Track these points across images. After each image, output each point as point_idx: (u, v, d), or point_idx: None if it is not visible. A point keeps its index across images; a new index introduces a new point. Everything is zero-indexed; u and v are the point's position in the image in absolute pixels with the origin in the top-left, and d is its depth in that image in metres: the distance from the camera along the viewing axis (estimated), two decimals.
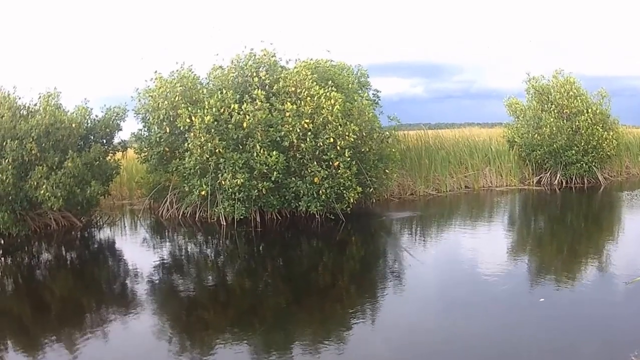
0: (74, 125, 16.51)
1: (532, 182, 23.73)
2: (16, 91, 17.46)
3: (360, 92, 18.27)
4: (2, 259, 14.92)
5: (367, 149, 16.56)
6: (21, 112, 17.08)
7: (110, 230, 17.58)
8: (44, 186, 15.55)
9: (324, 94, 15.57)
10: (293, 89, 16.01)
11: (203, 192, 15.60)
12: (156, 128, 16.74)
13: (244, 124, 15.12)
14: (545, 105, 23.24)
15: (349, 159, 15.35)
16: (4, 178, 15.51)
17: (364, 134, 16.38)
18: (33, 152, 15.87)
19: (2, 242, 16.07)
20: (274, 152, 14.97)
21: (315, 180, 15.26)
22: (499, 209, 19.58)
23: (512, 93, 25.16)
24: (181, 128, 15.73)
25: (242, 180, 14.83)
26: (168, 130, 16.28)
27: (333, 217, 15.88)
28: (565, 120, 22.72)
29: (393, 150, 18.01)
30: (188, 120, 15.41)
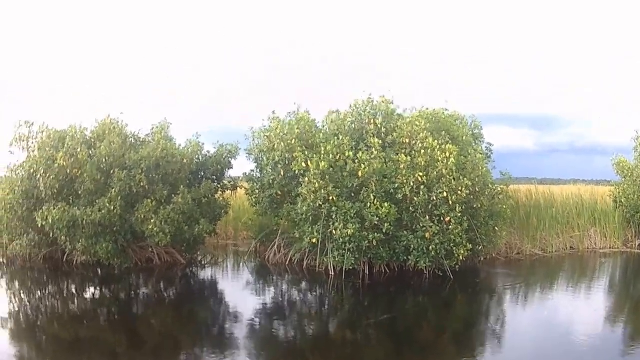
0: (185, 160, 17.04)
1: (635, 244, 23.23)
2: (124, 118, 18.19)
3: (474, 144, 18.34)
4: (102, 289, 15.56)
5: (479, 205, 16.48)
6: (130, 141, 17.72)
7: (214, 270, 18.01)
8: (152, 220, 16.07)
9: (439, 147, 15.70)
10: (407, 140, 16.19)
11: (314, 240, 15.79)
12: (270, 170, 17.09)
13: (359, 173, 15.29)
14: None
15: (460, 214, 15.36)
16: (112, 208, 16.14)
17: (477, 189, 16.32)
18: (142, 184, 16.47)
19: (101, 272, 16.84)
20: (386, 204, 15.07)
21: (427, 236, 15.28)
22: (603, 273, 19.19)
23: (622, 148, 24.76)
24: (296, 172, 16.02)
25: (353, 231, 14.99)
26: (282, 173, 16.60)
27: (441, 274, 15.87)
28: None
29: (504, 207, 17.95)
30: (304, 164, 15.71)
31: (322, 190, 15.26)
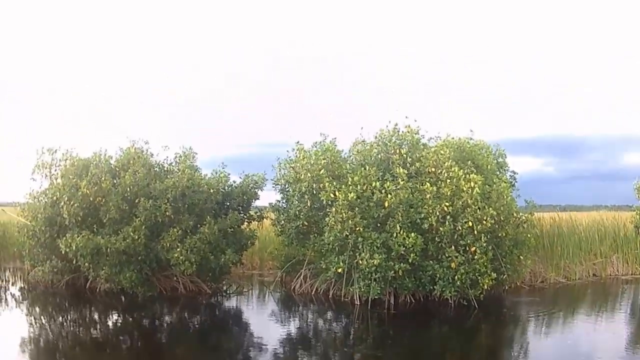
0: (211, 190, 17.18)
1: None
2: (150, 147, 18.37)
3: (498, 173, 18.43)
4: (124, 317, 15.68)
5: (504, 234, 16.50)
6: (155, 170, 17.88)
7: (239, 299, 18.09)
8: (177, 249, 16.19)
9: (464, 176, 15.76)
10: (433, 169, 16.29)
11: (339, 270, 15.84)
12: (296, 201, 17.25)
13: (386, 203, 15.41)
14: None
15: (485, 244, 15.40)
16: (136, 237, 16.29)
17: (502, 218, 16.33)
18: (167, 213, 16.58)
19: (125, 300, 16.97)
20: (413, 234, 15.14)
21: (452, 266, 15.33)
22: (625, 300, 19.20)
23: None
24: (324, 202, 16.14)
25: (379, 261, 15.06)
26: (309, 204, 16.75)
27: (466, 303, 15.88)
28: None
29: (528, 235, 17.98)
30: (332, 195, 15.81)
31: (350, 221, 15.36)
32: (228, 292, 19.09)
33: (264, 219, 19.69)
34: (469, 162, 16.89)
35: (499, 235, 16.47)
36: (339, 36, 71.33)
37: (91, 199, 17.16)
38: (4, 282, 21.27)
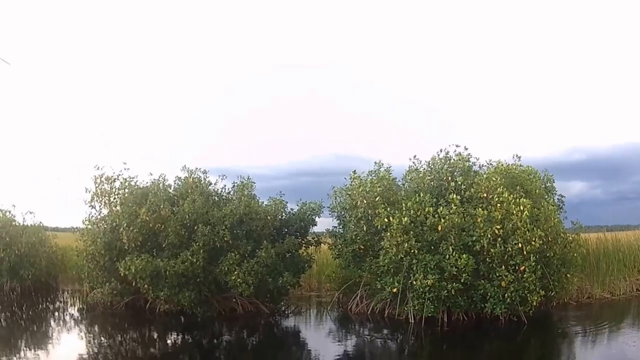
0: (269, 217, 17.93)
1: None
2: (208, 177, 19.23)
3: (546, 197, 19.05)
4: (184, 336, 16.42)
5: (552, 254, 17.20)
6: (214, 199, 18.73)
7: (297, 319, 18.84)
8: (235, 272, 16.98)
9: (513, 201, 16.43)
10: (484, 194, 16.98)
11: (394, 290, 16.64)
12: (352, 226, 18.03)
13: (439, 227, 16.18)
14: None
15: (534, 263, 16.07)
16: (195, 261, 17.11)
17: (550, 239, 17.06)
18: (225, 239, 17.37)
19: (184, 320, 17.76)
20: (465, 255, 15.85)
21: (503, 284, 16.00)
22: None
23: None
24: (378, 227, 16.90)
25: (432, 281, 15.81)
26: (365, 229, 17.52)
27: (515, 319, 16.54)
28: None
29: (575, 254, 18.66)
30: (386, 220, 16.59)
31: (405, 244, 16.15)
32: (286, 312, 19.85)
33: (321, 244, 20.38)
34: (518, 187, 17.57)
35: (547, 254, 17.18)
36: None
37: (150, 225, 18.02)
38: (64, 304, 22.38)
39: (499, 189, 16.74)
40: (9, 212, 25.12)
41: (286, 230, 19.20)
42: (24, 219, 25.45)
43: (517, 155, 19.29)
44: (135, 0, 74.33)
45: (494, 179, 17.05)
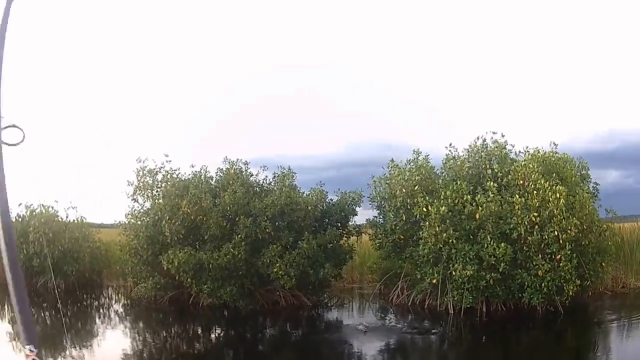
0: (310, 207, 18.29)
1: None
2: (249, 168, 19.67)
3: (581, 184, 19.34)
4: (227, 330, 16.88)
5: (587, 242, 17.48)
6: (255, 190, 19.13)
7: (339, 311, 19.24)
8: (277, 264, 17.35)
9: (550, 188, 16.74)
10: (521, 182, 17.33)
11: (434, 281, 17.05)
12: (392, 216, 18.43)
13: (477, 216, 16.54)
14: None
15: (569, 252, 16.35)
16: (236, 253, 17.43)
17: (584, 227, 17.32)
18: (267, 230, 17.74)
19: (228, 313, 18.09)
20: (502, 244, 16.18)
21: (539, 273, 16.32)
22: None
23: None
24: (417, 217, 17.32)
25: (471, 272, 16.19)
26: (404, 219, 17.92)
27: (552, 309, 16.88)
28: None
29: (610, 243, 18.94)
30: (424, 209, 16.97)
31: (444, 234, 16.51)
32: (329, 304, 20.28)
33: (362, 234, 20.69)
34: (554, 174, 17.83)
35: (582, 243, 17.44)
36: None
37: (192, 217, 18.40)
38: (108, 300, 22.90)
39: (533, 175, 17.07)
40: (52, 207, 25.23)
41: (327, 220, 19.50)
42: (67, 214, 25.59)
43: (553, 143, 19.68)
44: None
45: (530, 166, 17.38)
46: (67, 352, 13.54)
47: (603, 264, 18.63)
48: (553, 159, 18.90)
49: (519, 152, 19.40)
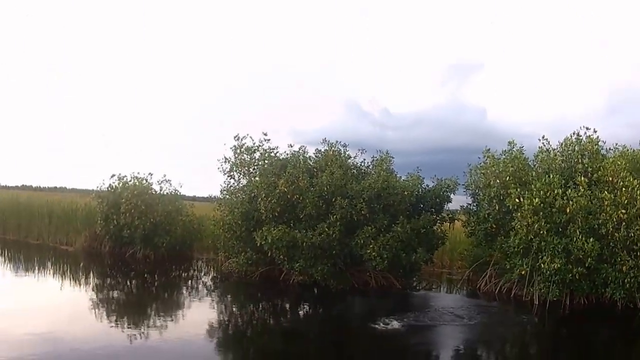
0: (406, 192, 19.01)
1: None
2: (348, 150, 20.55)
3: None
4: (316, 307, 17.47)
5: None
6: (352, 172, 19.83)
7: (427, 295, 19.76)
8: (371, 246, 18.09)
9: (638, 185, 17.29)
10: (610, 178, 17.93)
11: (522, 272, 17.79)
12: (486, 205, 19.24)
13: (567, 209, 17.23)
14: None
15: None
16: (331, 233, 18.17)
17: None
18: (363, 212, 18.45)
19: (317, 291, 18.67)
20: (591, 239, 16.81)
21: (623, 269, 17.02)
22: None
23: None
24: (509, 207, 18.06)
25: (559, 265, 16.89)
26: (497, 208, 18.70)
27: (632, 306, 17.45)
28: None
29: None
30: (517, 200, 17.71)
31: (535, 225, 17.22)
32: (418, 288, 20.87)
33: (455, 221, 21.43)
34: None
35: None
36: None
37: (288, 196, 19.17)
38: (198, 272, 23.65)
39: (622, 172, 17.66)
40: (146, 180, 25.97)
41: (422, 206, 20.18)
42: (160, 187, 26.35)
43: None
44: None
45: (619, 163, 17.98)
46: (153, 321, 14.24)
47: None
48: None
49: (609, 149, 19.98)
